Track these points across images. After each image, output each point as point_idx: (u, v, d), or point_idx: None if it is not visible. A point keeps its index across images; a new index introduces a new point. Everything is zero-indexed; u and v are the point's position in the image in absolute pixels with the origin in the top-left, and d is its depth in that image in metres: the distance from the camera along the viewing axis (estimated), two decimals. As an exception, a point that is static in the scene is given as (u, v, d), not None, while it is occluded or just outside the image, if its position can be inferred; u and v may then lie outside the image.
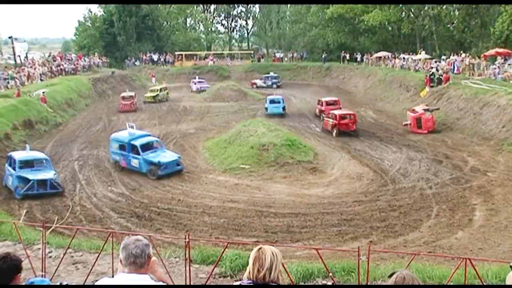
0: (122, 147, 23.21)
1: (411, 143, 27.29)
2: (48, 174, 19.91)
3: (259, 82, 56.15)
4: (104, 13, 74.65)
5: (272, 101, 37.12)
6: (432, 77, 37.74)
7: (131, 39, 71.44)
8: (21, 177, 19.56)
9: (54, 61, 50.34)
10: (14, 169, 20.01)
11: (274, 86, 53.92)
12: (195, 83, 52.54)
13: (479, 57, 39.17)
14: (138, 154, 22.38)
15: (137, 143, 22.72)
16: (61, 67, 48.87)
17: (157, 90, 46.22)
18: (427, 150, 25.62)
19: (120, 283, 3.50)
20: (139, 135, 24.07)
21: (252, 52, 79.58)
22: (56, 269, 8.54)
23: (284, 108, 36.78)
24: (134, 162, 22.51)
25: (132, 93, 42.97)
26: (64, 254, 9.10)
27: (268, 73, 58.15)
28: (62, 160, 25.12)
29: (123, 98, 41.02)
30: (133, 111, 39.94)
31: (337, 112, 30.70)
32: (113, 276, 3.73)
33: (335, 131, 29.52)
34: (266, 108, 36.89)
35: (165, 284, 3.71)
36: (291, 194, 19.54)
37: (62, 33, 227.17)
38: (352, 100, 44.17)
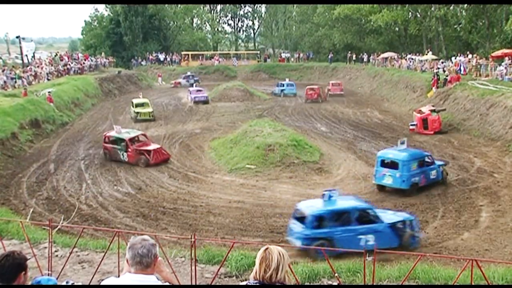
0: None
1: (417, 144, 27.19)
2: None
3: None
4: (111, 13, 74.94)
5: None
6: (438, 78, 37.58)
7: (138, 39, 71.71)
8: None
9: (61, 60, 50.56)
10: None
11: (195, 84, 53.57)
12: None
13: (486, 58, 39.00)
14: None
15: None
16: (68, 66, 49.09)
17: (147, 104, 37.65)
18: (433, 151, 25.51)
19: (126, 283, 3.53)
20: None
21: (258, 52, 79.65)
22: (63, 268, 8.56)
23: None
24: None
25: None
26: (71, 253, 9.13)
27: (187, 73, 61.16)
28: (69, 159, 25.20)
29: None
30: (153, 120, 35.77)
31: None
32: (119, 276, 3.74)
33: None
34: (282, 91, 47.97)
35: (170, 284, 3.72)
36: (297, 194, 19.51)
37: (69, 33, 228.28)
38: (358, 101, 44.12)
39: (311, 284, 8.51)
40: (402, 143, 20.49)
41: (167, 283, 3.68)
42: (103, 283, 3.75)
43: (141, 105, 36.97)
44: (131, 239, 3.65)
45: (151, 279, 3.56)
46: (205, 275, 8.97)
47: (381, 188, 19.80)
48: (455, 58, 43.00)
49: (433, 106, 32.00)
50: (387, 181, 19.45)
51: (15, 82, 36.96)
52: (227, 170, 22.94)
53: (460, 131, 29.76)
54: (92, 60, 57.36)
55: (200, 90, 45.27)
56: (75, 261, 9.51)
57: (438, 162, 20.50)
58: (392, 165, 19.34)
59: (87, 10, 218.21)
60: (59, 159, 25.11)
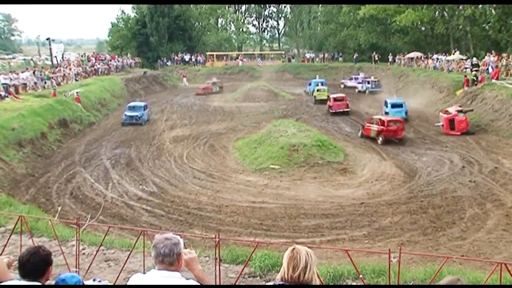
0: None
1: (444, 145, 26.85)
2: None
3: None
4: (137, 14, 75.70)
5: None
6: (475, 78, 36.79)
7: (163, 40, 72.25)
8: None
9: (89, 61, 51.34)
10: None
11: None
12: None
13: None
14: None
15: None
16: (95, 67, 49.83)
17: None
18: (460, 152, 25.16)
19: (151, 279, 3.62)
20: None
21: (283, 52, 79.53)
22: (89, 266, 8.71)
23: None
24: None
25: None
26: (97, 251, 9.27)
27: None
28: (95, 158, 25.57)
29: None
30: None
31: (383, 117, 29.35)
32: (144, 273, 3.83)
33: (380, 138, 27.82)
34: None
35: (198, 283, 3.76)
36: (321, 195, 19.46)
37: (96, 34, 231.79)
38: (383, 101, 43.63)
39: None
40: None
41: (192, 282, 3.72)
42: (130, 279, 3.83)
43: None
44: (155, 238, 3.74)
45: (175, 275, 3.63)
46: (229, 274, 9.01)
47: None
48: (482, 58, 42.21)
49: (460, 106, 31.51)
50: None
51: (45, 83, 37.71)
52: (251, 170, 22.98)
53: (488, 132, 29.23)
54: (118, 61, 58.09)
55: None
56: (102, 259, 9.65)
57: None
58: None
59: (113, 12, 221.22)
60: (86, 159, 25.49)
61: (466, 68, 42.27)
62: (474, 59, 42.72)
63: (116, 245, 10.50)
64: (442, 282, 3.34)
